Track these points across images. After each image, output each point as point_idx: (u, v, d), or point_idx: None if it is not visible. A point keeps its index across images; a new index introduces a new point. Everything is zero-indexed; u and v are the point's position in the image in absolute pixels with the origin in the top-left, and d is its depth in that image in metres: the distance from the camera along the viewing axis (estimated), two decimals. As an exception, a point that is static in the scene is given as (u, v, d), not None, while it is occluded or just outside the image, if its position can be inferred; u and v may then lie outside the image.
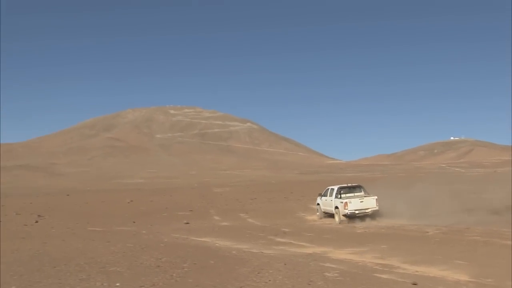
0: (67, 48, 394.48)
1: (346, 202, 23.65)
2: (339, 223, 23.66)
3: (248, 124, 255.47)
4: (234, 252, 13.43)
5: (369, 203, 23.84)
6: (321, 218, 26.29)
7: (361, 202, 23.79)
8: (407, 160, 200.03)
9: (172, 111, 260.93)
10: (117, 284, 8.68)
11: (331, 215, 25.12)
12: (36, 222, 23.82)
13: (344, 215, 23.72)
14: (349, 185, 26.54)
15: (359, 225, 21.77)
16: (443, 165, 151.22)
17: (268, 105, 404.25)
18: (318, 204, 27.06)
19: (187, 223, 25.48)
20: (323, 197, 26.41)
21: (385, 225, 21.10)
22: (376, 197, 24.00)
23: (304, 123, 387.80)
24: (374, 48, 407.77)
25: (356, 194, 24.88)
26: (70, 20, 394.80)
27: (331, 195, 25.28)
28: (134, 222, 26.07)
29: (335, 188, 25.37)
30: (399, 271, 10.76)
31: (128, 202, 41.50)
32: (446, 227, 18.57)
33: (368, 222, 22.42)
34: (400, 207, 23.90)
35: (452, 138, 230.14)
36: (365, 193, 25.00)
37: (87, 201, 44.21)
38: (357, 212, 23.55)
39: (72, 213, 31.71)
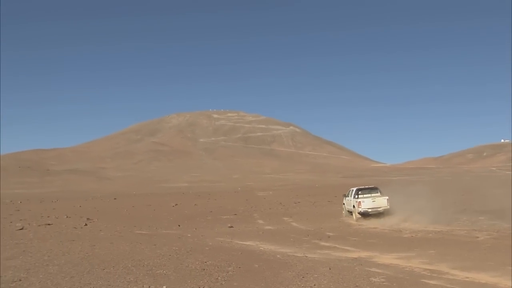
0: (112, 54, 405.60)
1: (359, 201, 26.15)
2: (356, 221, 25.90)
3: (291, 127, 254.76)
4: (278, 256, 13.41)
5: (381, 202, 26.31)
6: (346, 216, 28.45)
7: (373, 201, 26.25)
8: (454, 163, 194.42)
9: (215, 116, 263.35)
10: (164, 287, 8.82)
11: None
12: (85, 225, 24.41)
13: (359, 213, 26.17)
14: (366, 186, 29.09)
15: (405, 229, 21.35)
16: (493, 168, 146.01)
17: (311, 109, 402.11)
18: (343, 204, 29.40)
19: (231, 226, 25.67)
20: (346, 198, 28.80)
21: (433, 229, 20.61)
22: (387, 197, 26.32)
23: (348, 126, 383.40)
24: (418, 50, 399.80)
25: (372, 194, 27.08)
26: (117, 25, 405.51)
27: (351, 196, 27.65)
28: (179, 225, 26.42)
29: (354, 189, 27.78)
30: (448, 277, 10.48)
31: (173, 206, 42.13)
32: (497, 232, 17.98)
33: (415, 227, 21.95)
34: (449, 209, 23.81)
35: (502, 140, 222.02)
36: (380, 194, 27.05)
37: (133, 204, 45.08)
38: (370, 210, 26.08)
39: (120, 216, 32.40)
